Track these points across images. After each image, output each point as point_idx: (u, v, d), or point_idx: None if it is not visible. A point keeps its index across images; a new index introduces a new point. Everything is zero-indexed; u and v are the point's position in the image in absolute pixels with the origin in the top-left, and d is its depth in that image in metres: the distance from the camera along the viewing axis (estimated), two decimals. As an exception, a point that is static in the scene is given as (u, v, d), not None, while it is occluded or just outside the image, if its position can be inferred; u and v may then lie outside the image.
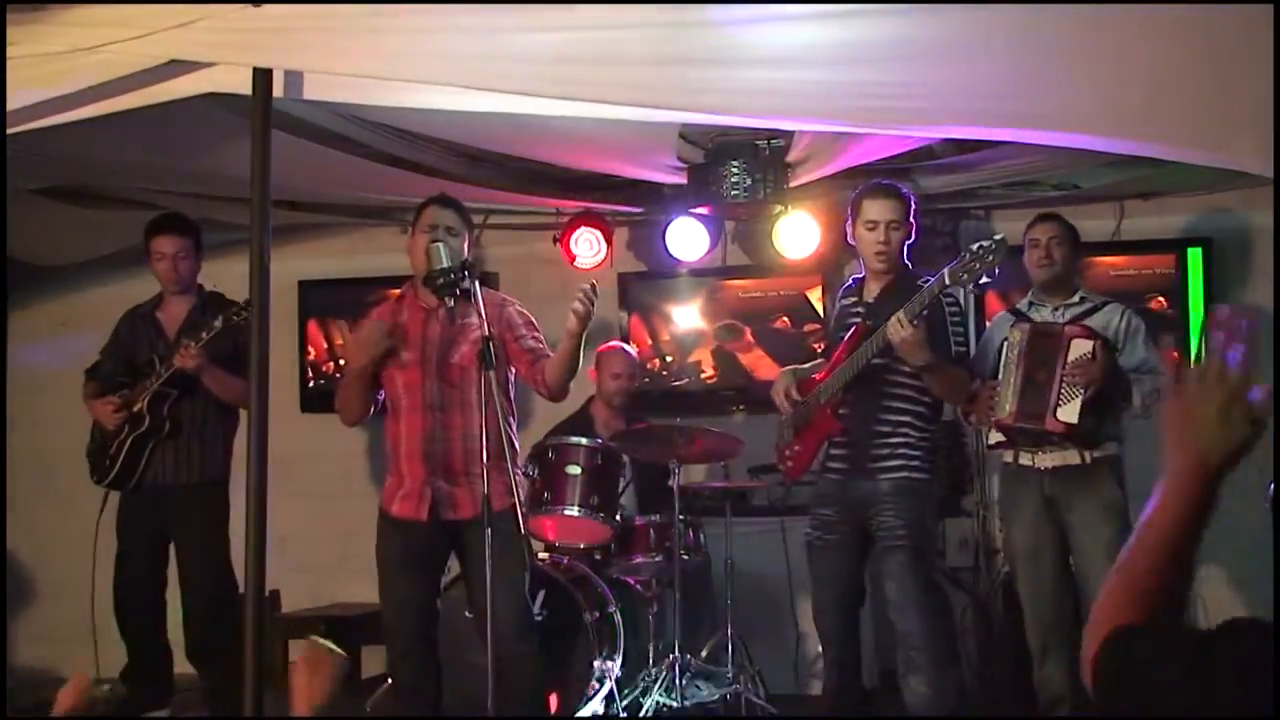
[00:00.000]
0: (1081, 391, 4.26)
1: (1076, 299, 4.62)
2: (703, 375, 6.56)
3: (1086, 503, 4.41)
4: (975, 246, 4.06)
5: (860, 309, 4.49)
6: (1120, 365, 4.39)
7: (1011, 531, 4.68)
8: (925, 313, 4.09)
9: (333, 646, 2.57)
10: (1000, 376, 4.45)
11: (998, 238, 4.07)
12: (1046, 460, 4.46)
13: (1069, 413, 4.28)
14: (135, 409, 4.91)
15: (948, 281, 4.06)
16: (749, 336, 6.47)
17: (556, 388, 4.19)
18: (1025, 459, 4.51)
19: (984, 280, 4.09)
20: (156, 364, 4.90)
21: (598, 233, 6.18)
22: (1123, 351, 4.45)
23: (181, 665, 5.19)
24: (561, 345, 4.08)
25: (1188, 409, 1.47)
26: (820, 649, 4.81)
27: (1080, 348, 4.30)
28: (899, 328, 4.08)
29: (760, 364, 6.42)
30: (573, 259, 6.20)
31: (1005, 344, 4.48)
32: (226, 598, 4.93)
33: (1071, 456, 4.42)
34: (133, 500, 5.01)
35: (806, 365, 4.83)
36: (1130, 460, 4.49)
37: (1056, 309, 4.59)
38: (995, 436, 4.58)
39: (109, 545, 5.02)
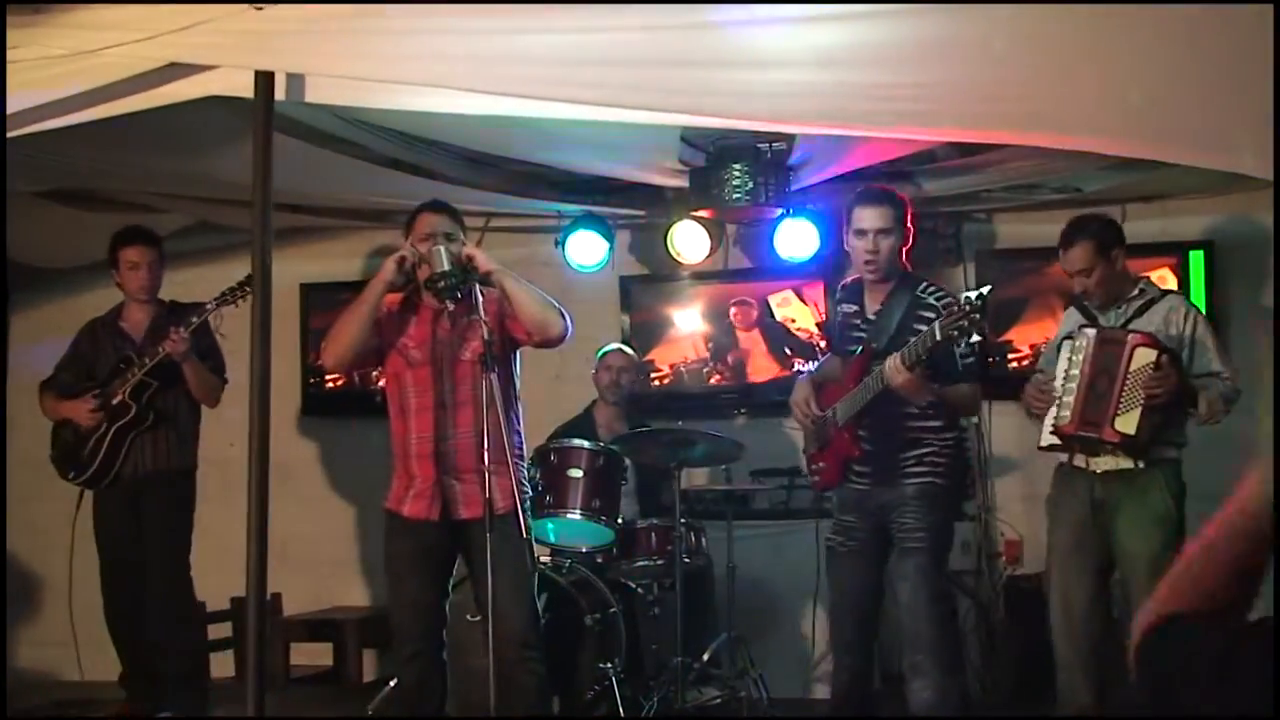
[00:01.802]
0: (1142, 402, 4.15)
1: (1136, 292, 4.44)
2: (654, 375, 6.51)
3: (1134, 509, 4.29)
4: (964, 299, 3.85)
5: (861, 323, 4.46)
6: (1185, 370, 4.26)
7: (1055, 530, 4.56)
8: (925, 358, 4.04)
9: None
10: (1062, 383, 4.35)
11: (985, 290, 3.83)
12: (1100, 464, 4.36)
13: (1127, 423, 4.17)
14: (116, 400, 4.98)
15: (939, 337, 3.92)
16: (755, 314, 6.45)
17: (534, 325, 4.09)
18: (1079, 460, 4.42)
19: (975, 338, 3.94)
20: (134, 358, 5.00)
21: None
22: (1192, 357, 4.32)
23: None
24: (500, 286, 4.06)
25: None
26: (821, 652, 4.81)
27: (1144, 357, 4.18)
28: (896, 374, 4.08)
29: (753, 344, 6.42)
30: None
31: (1069, 345, 4.37)
32: (186, 582, 5.02)
33: (1124, 460, 4.31)
34: (109, 498, 5.07)
35: (818, 369, 4.82)
36: (1192, 464, 4.38)
37: (1119, 306, 4.44)
38: (1048, 439, 4.42)
39: (86, 544, 5.07)
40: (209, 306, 4.86)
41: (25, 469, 6.49)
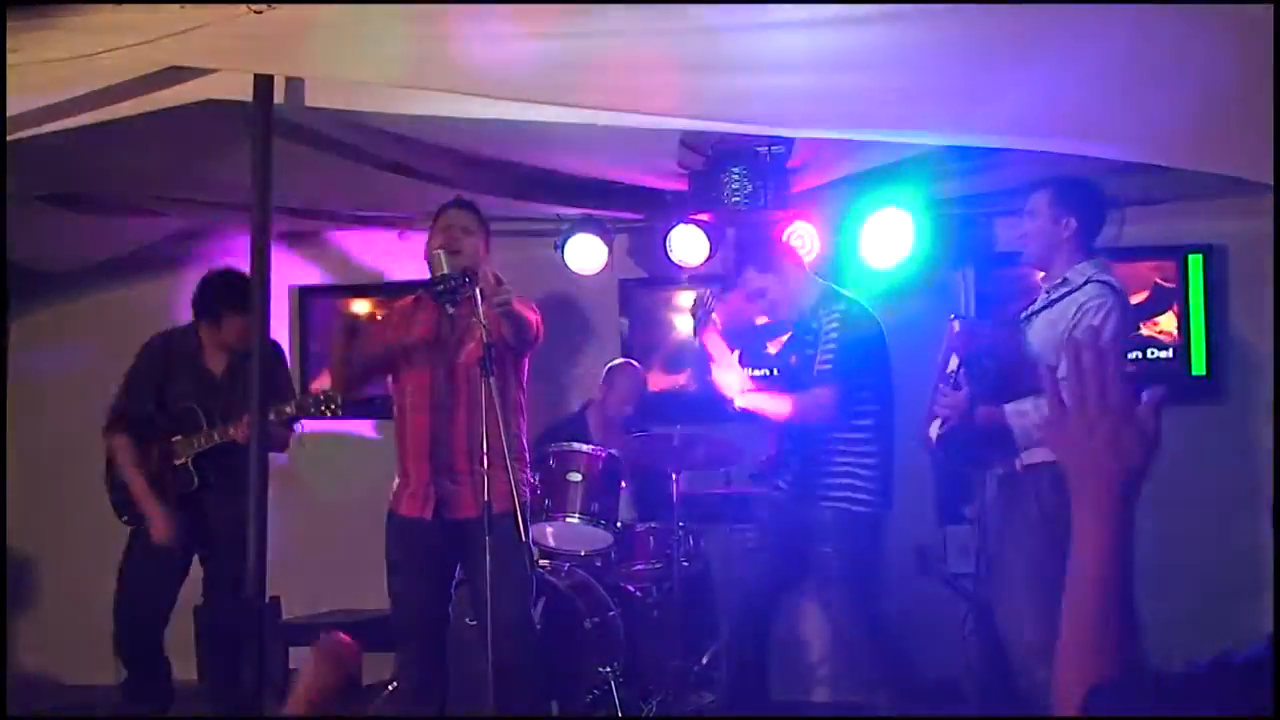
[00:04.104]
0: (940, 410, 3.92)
1: (1061, 279, 4.02)
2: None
3: (1008, 513, 4.05)
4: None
5: None
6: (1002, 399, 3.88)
7: (983, 539, 4.52)
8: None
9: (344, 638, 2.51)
10: None
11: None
12: (997, 470, 4.14)
13: (934, 428, 3.97)
14: (179, 462, 4.84)
15: None
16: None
17: (513, 340, 4.15)
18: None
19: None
20: (203, 421, 4.82)
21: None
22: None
23: (181, 673, 5.19)
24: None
25: (1078, 444, 1.38)
26: (819, 656, 4.81)
27: (952, 363, 3.96)
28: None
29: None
30: None
31: None
32: None
33: (1009, 464, 4.02)
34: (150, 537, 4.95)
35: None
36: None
37: (1050, 289, 4.08)
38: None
39: (105, 553, 5.02)
40: (288, 410, 4.53)
41: (25, 471, 6.50)
